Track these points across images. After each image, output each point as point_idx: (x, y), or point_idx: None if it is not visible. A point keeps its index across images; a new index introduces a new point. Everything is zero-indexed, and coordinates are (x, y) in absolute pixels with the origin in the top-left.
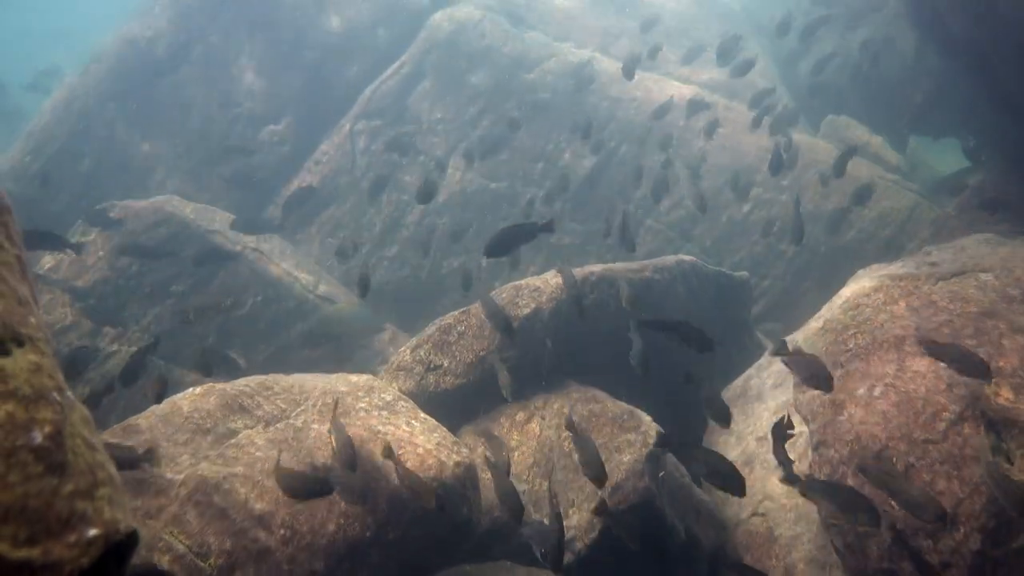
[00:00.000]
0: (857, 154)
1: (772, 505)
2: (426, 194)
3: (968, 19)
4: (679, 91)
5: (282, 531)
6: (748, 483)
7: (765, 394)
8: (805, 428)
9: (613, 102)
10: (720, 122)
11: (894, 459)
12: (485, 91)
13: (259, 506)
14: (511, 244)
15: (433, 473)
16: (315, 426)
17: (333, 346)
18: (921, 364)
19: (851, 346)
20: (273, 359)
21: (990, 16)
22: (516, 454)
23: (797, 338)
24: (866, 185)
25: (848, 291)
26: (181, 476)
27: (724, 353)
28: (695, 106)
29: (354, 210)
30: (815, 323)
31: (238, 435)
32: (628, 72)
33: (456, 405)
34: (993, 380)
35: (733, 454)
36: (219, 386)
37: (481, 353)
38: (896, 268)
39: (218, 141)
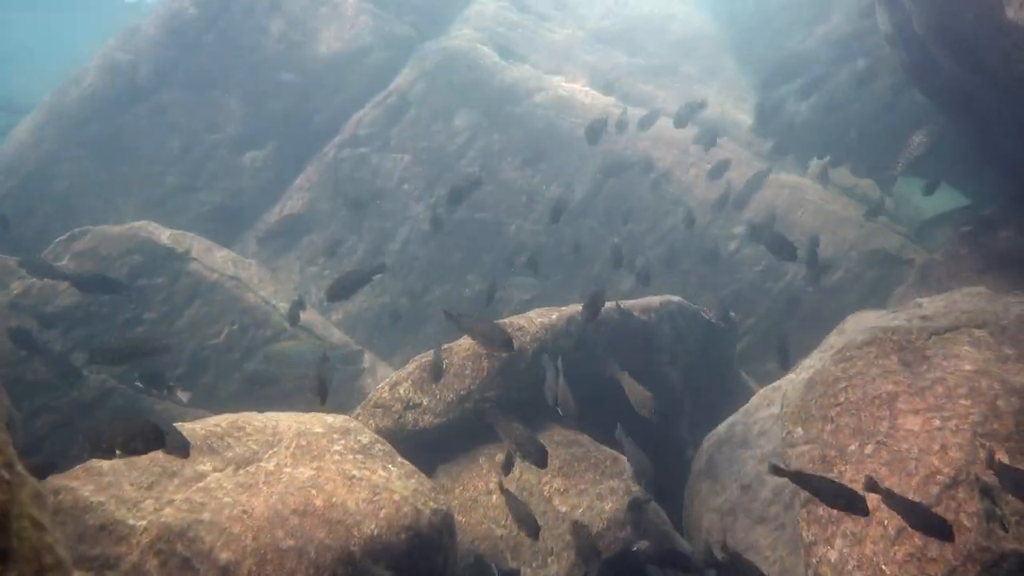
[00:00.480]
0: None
1: (756, 557)
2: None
3: (961, 68)
4: (669, 132)
5: None
6: (730, 534)
7: (751, 440)
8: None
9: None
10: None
11: (885, 522)
12: (472, 123)
13: (224, 556)
14: (351, 288)
15: (408, 522)
16: (287, 470)
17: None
18: (915, 423)
19: (842, 400)
20: (247, 389)
21: (981, 66)
22: (494, 497)
23: (783, 386)
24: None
25: (839, 341)
26: (144, 523)
27: (709, 395)
28: (647, 166)
29: (336, 237)
30: (803, 373)
31: (206, 478)
32: (592, 138)
33: (435, 444)
34: (987, 444)
35: (717, 502)
36: (188, 426)
37: (462, 392)
38: (888, 320)
39: (199, 164)
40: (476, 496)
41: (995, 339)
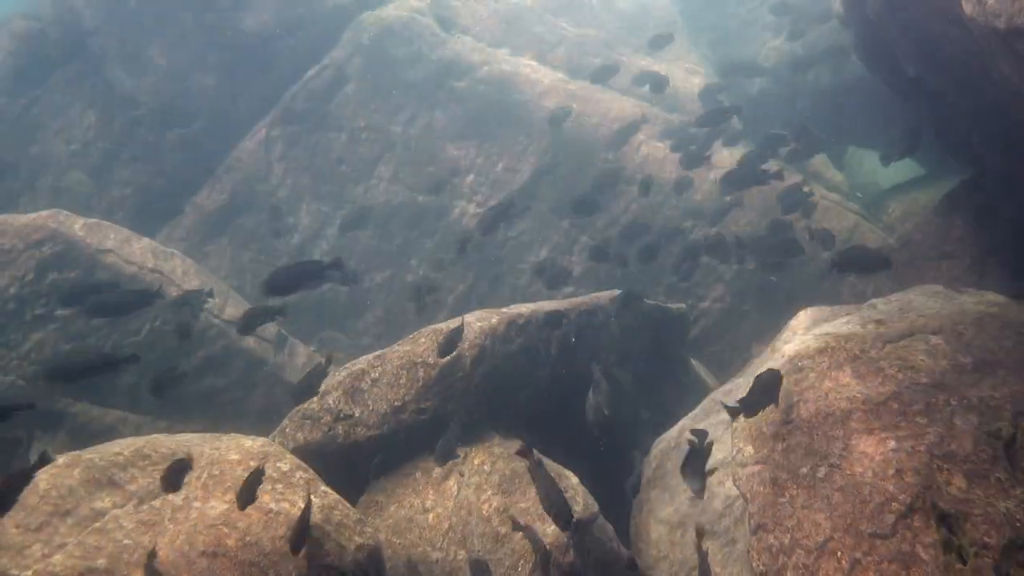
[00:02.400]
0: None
1: None
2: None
3: (914, 54)
4: (619, 105)
5: None
6: (679, 548)
7: None
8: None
9: (549, 115)
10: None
11: (838, 553)
12: (413, 99)
13: None
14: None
15: (331, 560)
16: (197, 504)
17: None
18: (868, 444)
19: (793, 417)
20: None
21: (935, 55)
22: (431, 516)
23: (733, 392)
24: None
25: (790, 348)
26: (28, 573)
27: (661, 392)
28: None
29: (270, 220)
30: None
31: (104, 517)
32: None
33: (368, 458)
34: (945, 467)
35: (665, 513)
36: (86, 456)
37: (396, 403)
38: (841, 323)
39: (118, 143)
40: (412, 515)
41: (951, 347)
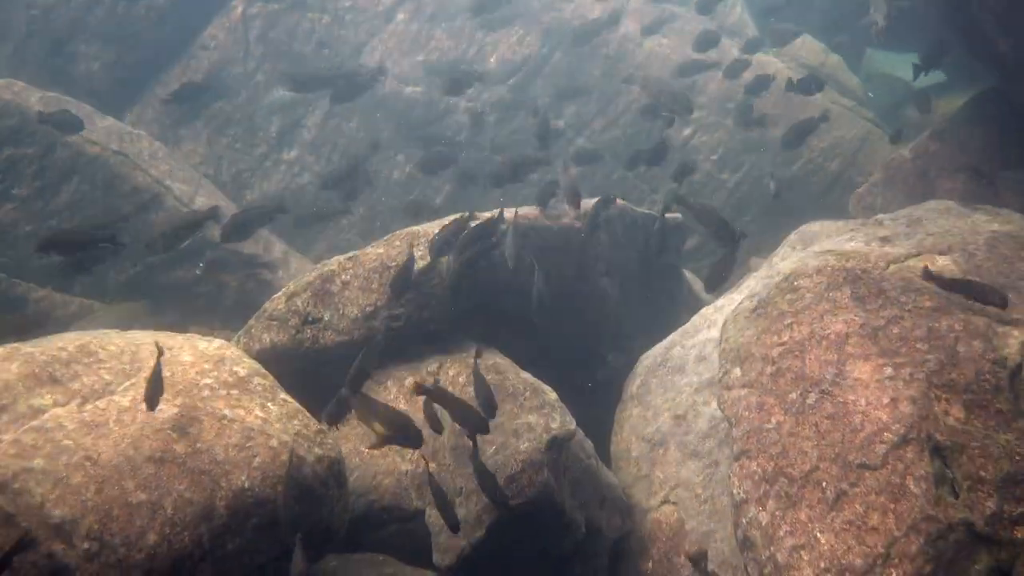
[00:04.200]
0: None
1: (686, 494)
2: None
3: None
4: None
5: (87, 544)
6: (659, 466)
7: (687, 367)
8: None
9: (546, 4)
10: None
11: (823, 483)
12: None
13: (59, 512)
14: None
15: (287, 471)
16: (145, 406)
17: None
18: (864, 370)
19: (786, 339)
20: (138, 280)
21: None
22: None
23: (725, 307)
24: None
25: (787, 265)
26: None
27: (652, 306)
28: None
29: (247, 105)
30: (747, 302)
31: (44, 415)
32: None
33: (338, 364)
34: (944, 396)
35: (648, 431)
36: (26, 349)
37: (368, 308)
38: (844, 240)
39: (84, 9)
40: None
41: (960, 268)
